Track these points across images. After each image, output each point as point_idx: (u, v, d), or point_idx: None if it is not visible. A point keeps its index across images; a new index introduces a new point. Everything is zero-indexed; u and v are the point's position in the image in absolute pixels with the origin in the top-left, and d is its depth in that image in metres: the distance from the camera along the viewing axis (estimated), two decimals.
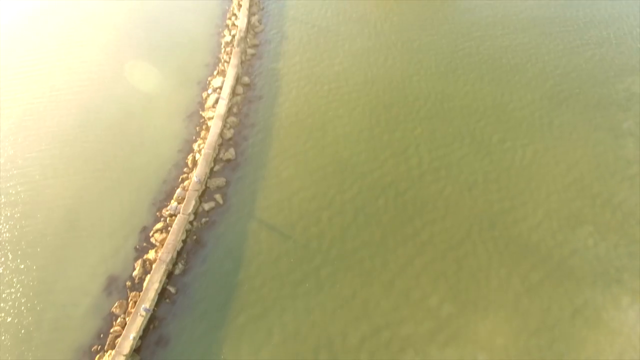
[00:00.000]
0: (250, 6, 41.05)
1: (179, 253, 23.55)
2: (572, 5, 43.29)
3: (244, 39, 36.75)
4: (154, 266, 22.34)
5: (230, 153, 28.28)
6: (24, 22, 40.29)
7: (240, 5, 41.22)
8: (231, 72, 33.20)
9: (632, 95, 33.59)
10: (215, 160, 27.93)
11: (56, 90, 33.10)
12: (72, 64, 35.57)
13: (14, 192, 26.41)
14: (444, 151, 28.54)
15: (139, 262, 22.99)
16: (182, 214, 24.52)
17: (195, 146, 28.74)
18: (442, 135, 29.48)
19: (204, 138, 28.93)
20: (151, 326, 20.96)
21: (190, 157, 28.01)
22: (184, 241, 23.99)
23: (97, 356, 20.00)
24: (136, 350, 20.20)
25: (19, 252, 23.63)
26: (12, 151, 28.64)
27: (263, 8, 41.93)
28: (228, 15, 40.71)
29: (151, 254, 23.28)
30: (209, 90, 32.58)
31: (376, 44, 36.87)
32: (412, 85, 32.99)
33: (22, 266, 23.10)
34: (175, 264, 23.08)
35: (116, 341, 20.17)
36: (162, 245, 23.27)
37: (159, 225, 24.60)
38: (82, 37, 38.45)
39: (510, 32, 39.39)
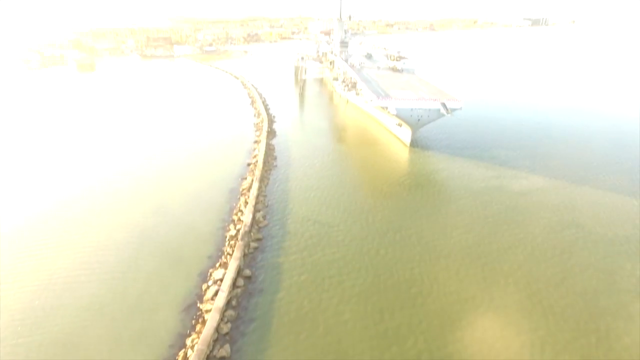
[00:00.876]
0: (256, 203, 47.47)
1: None
2: (548, 192, 49.66)
3: (248, 233, 41.23)
4: None
5: (225, 350, 28.37)
6: (38, 212, 46.34)
7: (246, 203, 47.65)
8: (233, 264, 36.17)
9: (631, 276, 35.14)
10: (209, 357, 27.84)
11: (57, 274, 35.73)
12: (75, 248, 39.45)
13: None
14: (445, 340, 28.49)
15: None
16: None
17: (188, 341, 29.13)
18: (440, 323, 29.92)
19: (199, 332, 29.57)
20: None
21: (181, 354, 28.06)
22: None
23: None
24: None
25: None
26: (2, 334, 29.22)
27: (268, 205, 48.27)
28: (235, 212, 46.59)
29: None
30: (209, 282, 34.91)
31: (369, 234, 41.22)
32: (406, 272, 35.32)
33: None
34: None
35: None
36: None
37: None
38: (91, 224, 43.79)
39: (494, 219, 44.25)
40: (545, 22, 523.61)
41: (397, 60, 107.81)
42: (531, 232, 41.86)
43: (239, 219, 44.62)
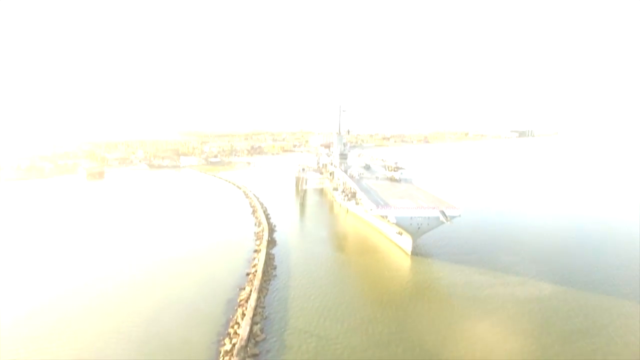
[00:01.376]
0: (254, 315, 46.16)
1: None
2: (557, 298, 48.74)
3: (244, 347, 39.56)
4: None
5: None
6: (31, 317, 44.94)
7: (244, 315, 46.38)
8: None
9: None
10: None
11: None
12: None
13: None
14: None
15: None
16: None
17: None
18: None
19: None
20: None
21: None
22: None
23: None
24: None
25: None
26: None
27: (266, 317, 46.94)
28: (231, 324, 45.14)
29: None
30: None
31: (369, 346, 39.61)
32: None
33: None
34: None
35: None
36: None
37: None
38: (74, 334, 42.65)
39: (503, 329, 42.99)
40: (531, 133, 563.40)
41: (394, 170, 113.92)
42: (544, 343, 40.18)
43: (235, 332, 43.14)
